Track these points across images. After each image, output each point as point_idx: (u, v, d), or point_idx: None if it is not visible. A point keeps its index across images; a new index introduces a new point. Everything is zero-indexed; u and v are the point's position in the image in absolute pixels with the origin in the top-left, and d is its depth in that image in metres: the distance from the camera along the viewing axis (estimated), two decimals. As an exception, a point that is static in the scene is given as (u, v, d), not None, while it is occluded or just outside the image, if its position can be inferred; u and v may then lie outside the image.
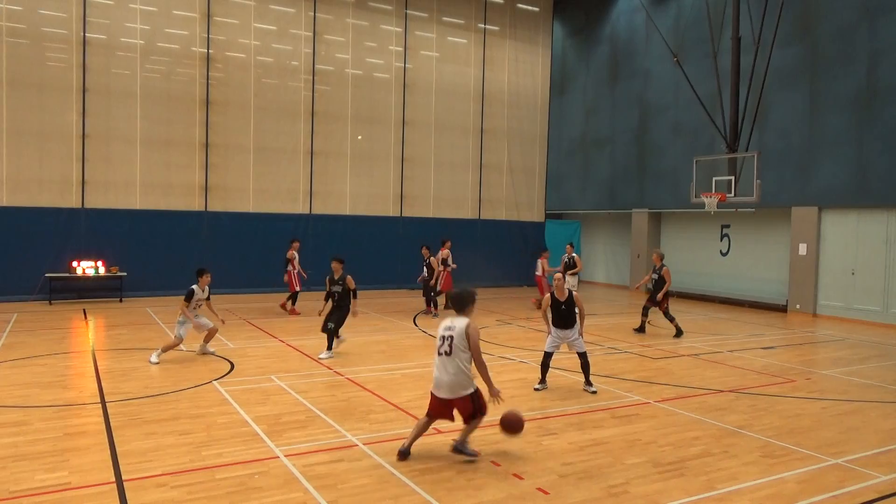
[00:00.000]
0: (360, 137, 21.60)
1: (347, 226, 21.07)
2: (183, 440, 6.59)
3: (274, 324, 14.29)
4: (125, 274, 17.64)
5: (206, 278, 10.82)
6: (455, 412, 6.28)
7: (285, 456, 6.23)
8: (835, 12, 18.04)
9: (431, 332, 13.66)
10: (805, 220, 18.71)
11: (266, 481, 5.63)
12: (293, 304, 16.12)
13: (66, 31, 17.27)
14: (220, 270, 19.25)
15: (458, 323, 6.19)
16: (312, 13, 20.51)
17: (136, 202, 18.30)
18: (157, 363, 10.10)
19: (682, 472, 6.12)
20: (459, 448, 6.29)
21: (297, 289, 16.18)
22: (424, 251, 16.57)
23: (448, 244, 16.97)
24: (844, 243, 17.96)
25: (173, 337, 10.52)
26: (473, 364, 6.20)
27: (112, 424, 7.04)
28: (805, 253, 18.67)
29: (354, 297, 11.02)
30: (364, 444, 6.60)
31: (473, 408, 6.19)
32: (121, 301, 17.40)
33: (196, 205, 19.09)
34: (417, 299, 18.62)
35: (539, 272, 17.84)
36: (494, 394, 6.26)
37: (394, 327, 14.43)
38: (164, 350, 10.38)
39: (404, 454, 6.23)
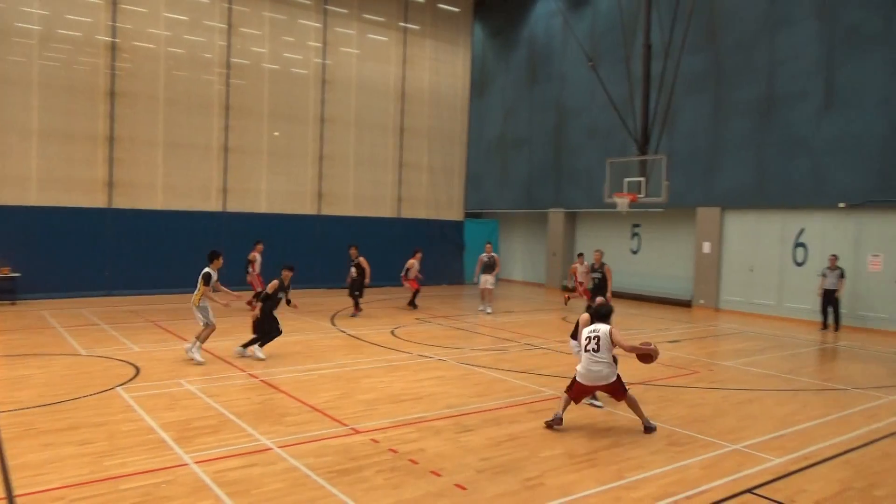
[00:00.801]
0: (276, 134, 21.09)
1: (264, 224, 20.47)
2: (83, 450, 6.22)
3: (184, 326, 13.73)
4: (19, 274, 16.50)
5: (219, 262, 10.84)
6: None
7: (195, 463, 5.99)
8: (738, 24, 19.11)
9: (350, 332, 13.52)
10: (709, 219, 19.73)
11: (174, 490, 5.40)
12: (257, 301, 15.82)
13: (-48, 13, 16.01)
14: (126, 270, 18.41)
15: (603, 328, 7.52)
16: (227, 5, 19.85)
17: (32, 198, 17.15)
18: (203, 361, 10.07)
19: (594, 463, 6.31)
20: (648, 426, 7.38)
21: (259, 289, 15.78)
22: (353, 251, 16.31)
23: (419, 255, 17.76)
24: (744, 242, 19.07)
25: (203, 325, 10.40)
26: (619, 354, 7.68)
27: (2, 436, 6.56)
28: (709, 251, 19.68)
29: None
30: (279, 448, 6.44)
31: (621, 388, 7.44)
32: (13, 304, 16.25)
33: (99, 201, 18.09)
34: (336, 299, 18.38)
35: (407, 272, 17.74)
36: (646, 348, 7.53)
37: (311, 327, 14.18)
38: (203, 341, 10.35)
39: (559, 420, 7.35)
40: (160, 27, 18.84)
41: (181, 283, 19.08)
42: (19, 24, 16.83)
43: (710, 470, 6.23)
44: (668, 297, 20.85)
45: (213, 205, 19.94)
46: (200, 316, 10.49)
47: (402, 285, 18.65)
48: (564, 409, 7.52)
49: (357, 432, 6.99)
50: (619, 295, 22.18)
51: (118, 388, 8.52)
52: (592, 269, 14.95)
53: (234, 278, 18.99)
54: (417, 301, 17.70)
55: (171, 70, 19.06)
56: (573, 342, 8.76)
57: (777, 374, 10.81)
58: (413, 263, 17.75)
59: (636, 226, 22.89)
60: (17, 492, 5.26)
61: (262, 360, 10.44)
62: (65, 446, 6.32)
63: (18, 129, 16.89)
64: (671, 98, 17.99)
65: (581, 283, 17.81)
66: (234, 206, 20.30)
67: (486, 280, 17.33)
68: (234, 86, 20.09)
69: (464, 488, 5.61)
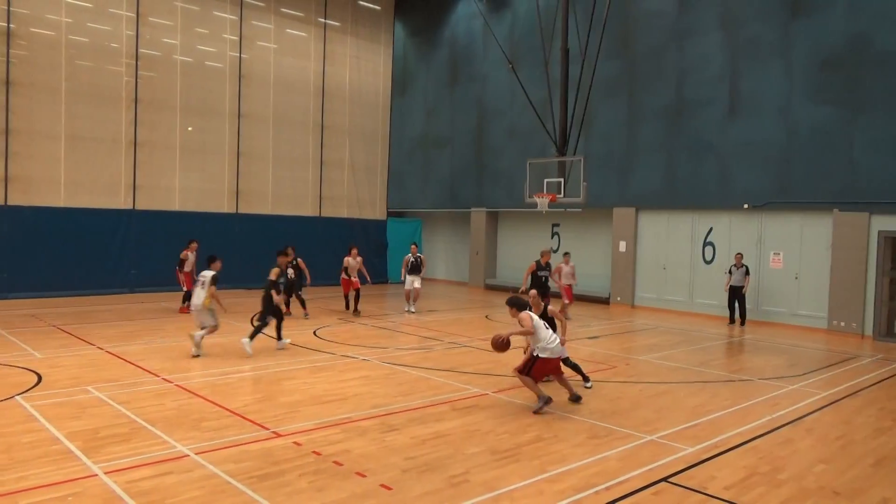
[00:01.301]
0: (190, 129, 20.29)
1: (176, 222, 19.64)
2: (-24, 464, 5.77)
3: (90, 330, 12.99)
4: None
5: (218, 264, 11.31)
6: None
7: (105, 473, 5.66)
8: (649, 33, 19.89)
9: (271, 334, 13.16)
10: (624, 219, 20.46)
11: (82, 502, 5.08)
12: (185, 301, 15.68)
13: None
14: (24, 272, 17.25)
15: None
16: (136, -8, 18.92)
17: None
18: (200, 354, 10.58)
19: (517, 458, 6.40)
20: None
21: (187, 288, 15.56)
22: (289, 251, 15.72)
23: (355, 251, 17.12)
24: (657, 241, 19.89)
25: (210, 327, 10.82)
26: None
27: None
28: (624, 250, 20.41)
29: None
30: (196, 454, 6.18)
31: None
32: None
33: (-6, 198, 16.89)
34: (255, 300, 17.83)
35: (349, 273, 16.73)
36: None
37: (230, 329, 13.71)
38: (203, 337, 10.70)
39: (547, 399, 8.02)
40: (61, 13, 17.75)
41: (86, 284, 18.16)
42: None
43: (628, 461, 6.43)
44: (587, 295, 21.45)
45: (121, 202, 18.97)
46: (209, 318, 10.79)
47: (336, 284, 17.82)
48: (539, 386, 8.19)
49: (279, 436, 6.81)
50: (524, 291, 22.68)
51: (17, 398, 7.94)
52: (540, 268, 14.82)
53: (156, 279, 18.13)
54: (359, 305, 16.58)
55: (73, 59, 18.00)
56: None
57: (689, 367, 11.32)
58: (349, 261, 16.71)
59: (556, 225, 23.45)
60: None
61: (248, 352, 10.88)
62: (-45, 461, 5.83)
63: None
64: (588, 102, 18.53)
65: (568, 285, 17.33)
66: (145, 204, 19.39)
67: (413, 280, 17.22)
68: (144, 78, 19.18)
69: (389, 488, 5.56)
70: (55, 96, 17.70)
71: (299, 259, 15.80)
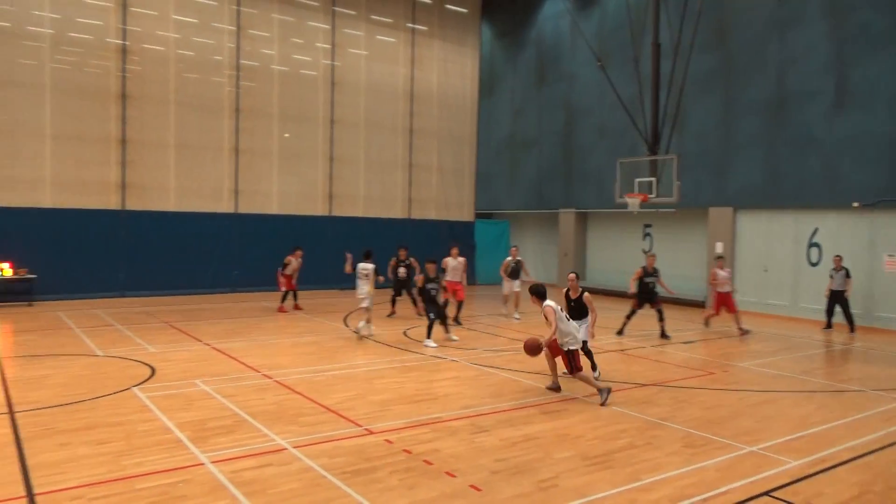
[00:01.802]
0: (287, 135, 21.16)
1: (275, 225, 20.58)
2: (100, 450, 6.26)
3: (198, 327, 13.80)
4: (35, 276, 16.63)
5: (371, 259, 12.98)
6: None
7: (211, 462, 6.01)
8: (748, 23, 19.00)
9: (362, 333, 13.52)
10: (721, 219, 19.62)
11: (190, 489, 5.42)
12: (283, 301, 16.51)
13: (-33, 17, 16.15)
14: (139, 272, 18.52)
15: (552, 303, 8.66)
16: (236, 7, 19.93)
17: (47, 200, 17.29)
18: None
19: (608, 465, 6.28)
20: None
21: (285, 289, 16.43)
22: (402, 252, 16.15)
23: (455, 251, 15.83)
24: (757, 242, 18.95)
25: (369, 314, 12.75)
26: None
27: (21, 435, 6.61)
28: (721, 251, 19.56)
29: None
30: (294, 448, 6.46)
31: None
32: (30, 305, 16.39)
33: (112, 203, 18.21)
34: (347, 300, 18.37)
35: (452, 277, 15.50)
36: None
37: (324, 328, 14.21)
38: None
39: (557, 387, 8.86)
40: (169, 30, 18.95)
41: (193, 283, 19.29)
42: (31, 28, 16.96)
43: (727, 472, 6.18)
44: (680, 298, 20.72)
45: (225, 206, 20.03)
46: (369, 304, 12.70)
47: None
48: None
49: (371, 433, 7.00)
50: (630, 295, 22.11)
51: (134, 389, 8.56)
52: (646, 274, 14.10)
53: (256, 279, 18.98)
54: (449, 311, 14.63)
55: (181, 72, 19.16)
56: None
57: (793, 375, 10.73)
58: (448, 262, 15.46)
59: (648, 226, 22.81)
60: (36, 490, 5.29)
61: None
62: (82, 446, 6.36)
63: (31, 131, 17.02)
64: (681, 98, 17.90)
65: (727, 293, 14.99)
66: (246, 208, 20.39)
67: (512, 285, 16.39)
68: (245, 88, 20.18)
69: (479, 489, 5.60)
70: (165, 107, 18.90)
71: (412, 259, 16.13)
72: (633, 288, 14.37)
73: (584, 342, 9.61)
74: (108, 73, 17.98)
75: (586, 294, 10.00)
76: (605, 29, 23.38)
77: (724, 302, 14.93)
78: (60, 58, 17.36)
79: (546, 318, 8.55)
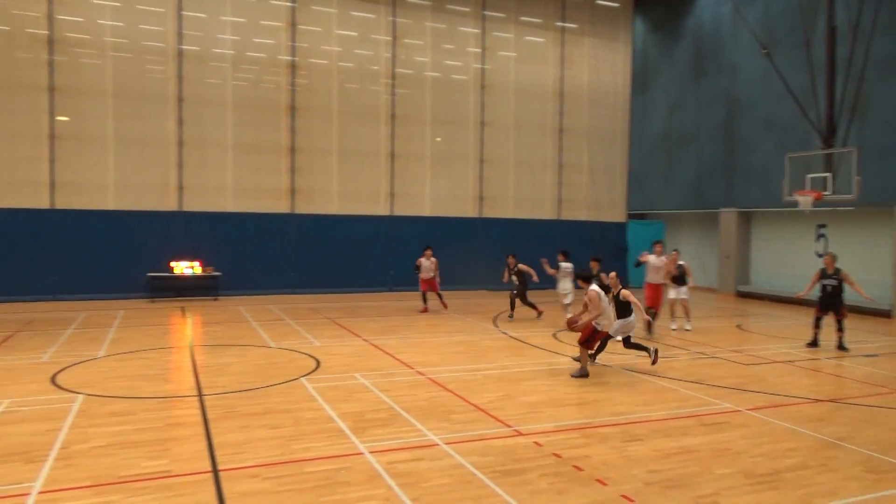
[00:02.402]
0: (438, 139, 21.82)
1: (428, 227, 21.32)
2: (273, 434, 6.87)
3: (357, 323, 14.65)
4: (220, 273, 18.53)
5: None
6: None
7: (369, 452, 6.38)
8: (946, -5, 16.78)
9: (512, 334, 13.65)
10: (912, 218, 17.46)
11: (351, 476, 5.79)
12: (424, 301, 16.96)
13: (164, 45, 18.34)
14: (307, 270, 20.00)
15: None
16: (392, 18, 20.89)
17: (230, 205, 19.19)
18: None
19: (776, 485, 5.86)
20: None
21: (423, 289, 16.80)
22: (511, 260, 15.77)
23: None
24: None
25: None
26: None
27: (208, 416, 7.42)
28: (912, 254, 17.43)
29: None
30: (445, 444, 6.67)
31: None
32: (216, 299, 18.30)
33: (284, 207, 19.83)
34: (498, 300, 18.60)
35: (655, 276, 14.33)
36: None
37: (474, 328, 14.48)
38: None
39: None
40: (333, 44, 20.26)
41: (353, 282, 20.48)
42: (216, 50, 18.91)
43: (918, 502, 5.53)
44: (861, 306, 18.74)
45: (381, 209, 21.07)
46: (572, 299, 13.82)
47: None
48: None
49: (520, 434, 7.05)
50: (802, 302, 20.34)
51: (302, 379, 9.29)
52: (825, 275, 12.75)
53: (410, 278, 19.59)
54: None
55: (342, 83, 20.43)
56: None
57: None
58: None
59: (821, 226, 20.83)
60: (220, 467, 5.93)
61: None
62: (258, 429, 7.01)
63: (217, 143, 18.99)
64: (861, 84, 16.18)
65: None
66: (401, 210, 21.31)
67: (679, 291, 14.97)
68: (399, 95, 21.09)
69: (631, 500, 5.46)
70: (328, 117, 20.26)
71: (521, 265, 15.58)
72: (806, 291, 13.12)
73: (628, 337, 10.37)
74: (280, 88, 19.61)
75: (624, 290, 10.56)
76: (770, 14, 21.68)
77: None
78: (240, 75, 19.20)
79: (589, 301, 9.48)
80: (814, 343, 12.87)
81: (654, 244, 14.31)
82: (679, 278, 14.72)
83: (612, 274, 11.19)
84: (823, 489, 5.79)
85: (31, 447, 6.31)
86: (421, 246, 17.05)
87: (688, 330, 14.72)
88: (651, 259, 13.87)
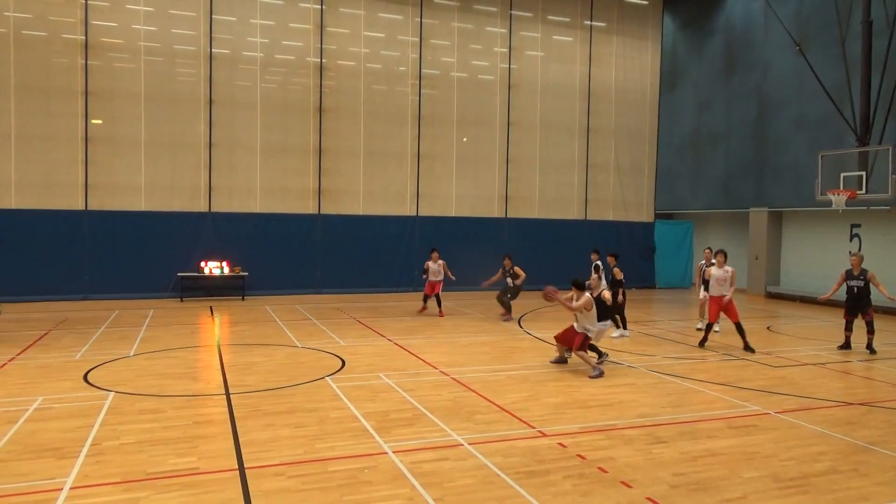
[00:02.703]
0: (465, 140, 21.83)
1: (453, 227, 21.34)
2: (298, 432, 6.94)
3: (382, 323, 14.72)
4: (247, 274, 18.78)
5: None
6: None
7: (393, 452, 6.41)
8: None
9: (537, 335, 13.60)
10: (951, 218, 16.99)
11: (375, 476, 5.83)
12: (424, 302, 16.45)
13: (195, 48, 18.63)
14: (333, 271, 20.15)
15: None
16: (419, 19, 20.95)
17: (257, 206, 19.43)
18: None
19: (805, 489, 5.75)
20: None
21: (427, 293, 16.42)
22: (507, 261, 15.76)
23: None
24: None
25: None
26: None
27: (235, 415, 7.53)
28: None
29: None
30: (469, 444, 6.68)
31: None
32: (243, 299, 18.54)
33: (310, 208, 20.01)
34: (523, 301, 18.50)
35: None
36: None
37: (498, 328, 14.46)
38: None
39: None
40: (360, 45, 20.39)
41: (378, 282, 20.58)
42: (246, 53, 19.16)
43: (954, 510, 5.39)
44: (894, 308, 18.28)
45: (407, 209, 21.14)
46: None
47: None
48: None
49: (544, 435, 7.03)
50: (833, 303, 19.88)
51: (327, 378, 9.37)
52: (850, 277, 12.44)
53: (419, 279, 19.73)
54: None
55: (369, 85, 20.54)
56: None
57: None
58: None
59: (856, 226, 20.35)
60: (246, 465, 6.01)
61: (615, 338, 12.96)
62: (283, 428, 7.09)
63: (246, 145, 19.23)
64: (901, 80, 15.81)
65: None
66: (426, 211, 21.35)
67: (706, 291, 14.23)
68: (426, 95, 21.14)
69: (656, 503, 5.40)
70: (355, 118, 20.39)
71: (517, 268, 15.53)
72: (830, 293, 12.78)
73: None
74: (308, 90, 19.79)
75: (605, 293, 11.07)
76: (803, 10, 21.26)
77: None
78: (269, 78, 19.43)
79: (584, 303, 10.03)
80: (845, 345, 12.60)
81: (716, 254, 12.66)
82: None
83: (594, 277, 11.20)
84: (854, 494, 5.66)
85: (63, 443, 6.47)
86: (447, 246, 17.04)
87: (716, 331, 14.42)
88: (713, 271, 12.40)
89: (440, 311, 16.15)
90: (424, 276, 16.32)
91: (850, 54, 17.00)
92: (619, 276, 13.83)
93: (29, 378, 9.13)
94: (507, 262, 15.84)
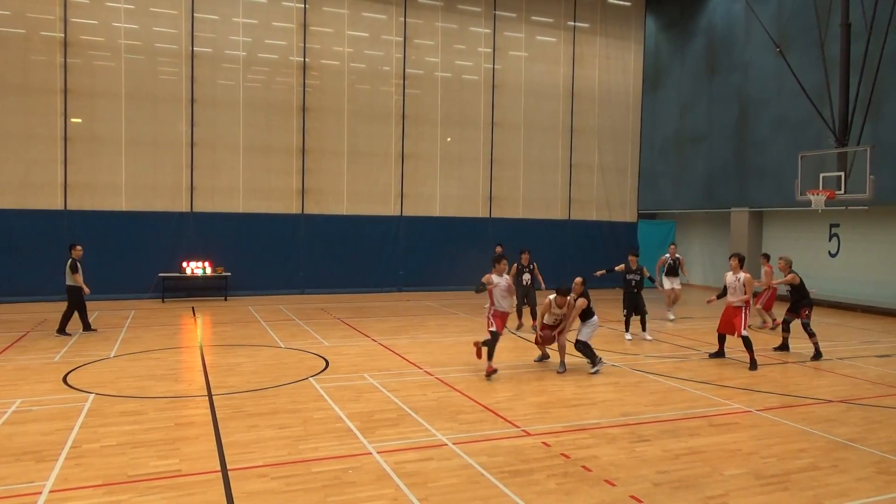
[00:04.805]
0: (449, 140, 21.82)
1: (437, 227, 21.34)
2: (282, 433, 6.90)
3: (366, 323, 14.67)
4: (229, 274, 18.63)
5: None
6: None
7: (377, 452, 6.39)
8: (962, -8, 16.56)
9: (521, 335, 13.63)
10: (927, 218, 17.28)
11: (359, 476, 5.80)
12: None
13: (177, 47, 18.46)
14: (316, 271, 20.05)
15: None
16: (403, 18, 20.91)
17: (240, 206, 19.29)
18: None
19: (786, 486, 5.82)
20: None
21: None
22: (525, 256, 14.16)
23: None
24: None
25: None
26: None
27: (218, 416, 7.47)
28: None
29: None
30: (453, 444, 6.67)
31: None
32: (225, 299, 18.39)
33: (294, 207, 19.90)
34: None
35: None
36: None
37: (483, 329, 14.43)
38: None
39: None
40: (344, 45, 20.31)
41: (362, 282, 20.51)
42: (228, 52, 19.01)
43: (931, 505, 5.47)
44: (874, 306, 18.57)
45: (391, 209, 21.10)
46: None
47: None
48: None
49: (528, 434, 7.04)
50: (817, 302, 20.12)
51: (311, 379, 9.32)
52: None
53: (420, 278, 19.87)
54: None
55: (353, 84, 20.48)
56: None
57: None
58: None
59: (835, 226, 20.65)
60: (229, 466, 5.96)
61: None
62: (267, 429, 7.04)
63: (229, 145, 19.09)
64: (875, 82, 16.04)
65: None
66: (410, 211, 21.32)
67: (672, 282, 15.88)
68: (410, 95, 21.11)
69: (640, 501, 5.43)
70: (339, 118, 20.31)
71: (534, 264, 14.22)
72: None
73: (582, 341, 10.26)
74: (291, 89, 19.68)
75: (581, 299, 10.32)
76: (784, 12, 21.51)
77: None
78: (252, 77, 19.30)
79: (573, 308, 10.17)
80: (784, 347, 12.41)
81: (730, 258, 11.70)
82: (673, 269, 16.02)
83: (578, 280, 10.49)
84: (834, 490, 5.74)
85: (42, 446, 6.38)
86: (431, 246, 17.03)
87: (671, 320, 15.69)
88: (727, 277, 11.41)
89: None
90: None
91: (829, 56, 17.23)
92: (647, 273, 13.64)
93: (7, 380, 8.99)
94: (524, 257, 14.09)
